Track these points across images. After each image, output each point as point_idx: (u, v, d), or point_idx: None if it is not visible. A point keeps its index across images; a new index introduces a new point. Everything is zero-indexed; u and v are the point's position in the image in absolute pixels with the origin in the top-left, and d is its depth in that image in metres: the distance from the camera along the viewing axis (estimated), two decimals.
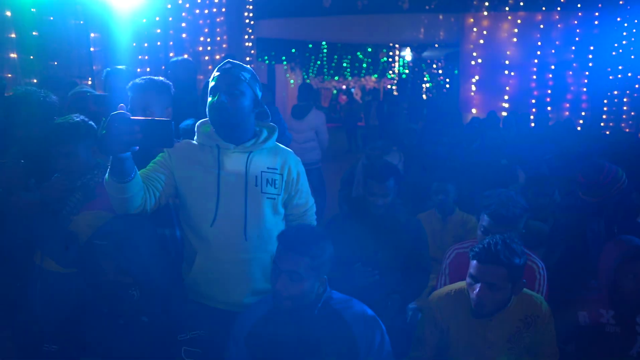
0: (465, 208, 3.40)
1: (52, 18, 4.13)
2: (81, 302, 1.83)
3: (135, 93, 2.10)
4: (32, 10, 3.80)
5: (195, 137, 1.94)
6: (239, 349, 1.71)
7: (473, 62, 9.89)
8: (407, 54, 16.09)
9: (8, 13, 3.52)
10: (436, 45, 13.13)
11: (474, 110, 9.80)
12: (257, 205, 1.88)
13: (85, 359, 1.58)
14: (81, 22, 4.51)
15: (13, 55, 3.59)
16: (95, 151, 2.04)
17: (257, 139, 1.94)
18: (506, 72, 9.57)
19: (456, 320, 1.96)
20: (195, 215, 1.87)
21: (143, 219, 1.75)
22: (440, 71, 18.57)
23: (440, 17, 10.71)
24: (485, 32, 9.69)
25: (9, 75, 3.52)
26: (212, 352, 1.70)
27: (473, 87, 9.98)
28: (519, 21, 9.38)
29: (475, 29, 9.78)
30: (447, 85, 16.27)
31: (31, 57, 3.81)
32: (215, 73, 1.86)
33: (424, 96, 18.00)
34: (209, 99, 1.85)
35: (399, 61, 17.99)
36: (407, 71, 18.73)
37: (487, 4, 9.52)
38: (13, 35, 3.57)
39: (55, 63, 4.25)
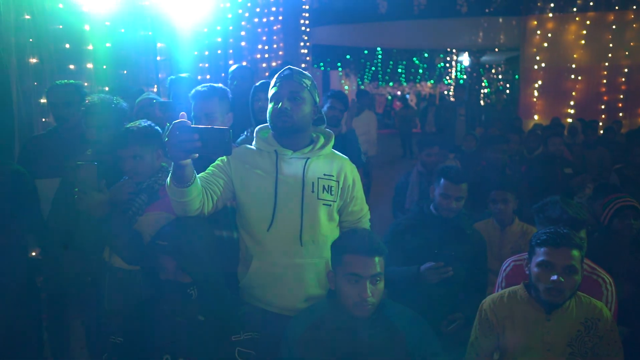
0: (526, 218, 3.25)
1: (123, 30, 4.42)
2: (144, 298, 1.92)
3: (198, 100, 2.18)
4: (106, 23, 4.08)
5: (254, 142, 1.97)
6: (292, 353, 1.73)
7: (535, 67, 9.46)
8: (465, 58, 15.68)
9: (87, 27, 3.81)
10: (496, 50, 12.69)
11: (536, 117, 9.37)
12: (313, 211, 1.89)
13: (146, 352, 1.65)
14: (149, 33, 4.78)
15: (89, 65, 3.87)
16: (160, 155, 2.14)
17: (315, 146, 1.95)
18: (572, 76, 9.07)
19: (512, 323, 1.90)
20: (252, 219, 1.90)
21: (203, 221, 1.81)
22: (499, 76, 17.93)
23: (501, 20, 10.37)
24: (549, 35, 9.24)
25: (86, 84, 3.79)
26: (265, 354, 1.72)
27: (535, 93, 9.54)
28: (588, 22, 8.87)
29: (538, 32, 9.35)
30: (507, 91, 15.68)
31: (104, 66, 4.08)
32: (277, 80, 1.89)
33: (482, 102, 17.44)
34: (270, 105, 1.89)
35: (456, 66, 17.57)
36: (464, 76, 18.25)
37: (552, 5, 9.08)
38: (90, 47, 3.85)
39: (125, 72, 4.52)
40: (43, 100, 3.18)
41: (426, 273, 2.29)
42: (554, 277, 1.76)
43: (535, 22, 9.43)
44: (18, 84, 3.29)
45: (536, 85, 9.48)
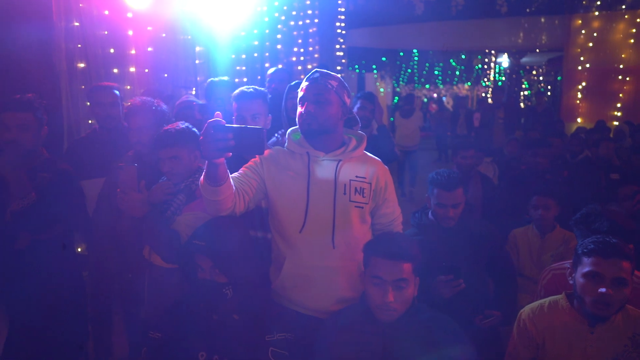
0: (569, 225, 3.12)
1: (164, 35, 4.55)
2: (181, 296, 1.97)
3: (244, 101, 2.22)
4: (148, 28, 4.22)
5: (286, 144, 1.99)
6: (324, 356, 1.73)
7: (580, 67, 9.09)
8: (504, 60, 15.28)
9: (130, 32, 3.95)
10: (537, 50, 12.30)
11: (579, 120, 9.01)
12: (345, 213, 1.89)
13: (183, 348, 1.69)
14: (189, 37, 4.90)
15: (132, 69, 4.01)
16: (198, 156, 2.18)
17: (347, 147, 1.95)
18: (620, 77, 8.66)
19: (552, 334, 1.83)
20: (285, 221, 1.91)
21: (238, 222, 1.84)
22: (541, 78, 17.37)
23: (543, 19, 10.04)
24: (595, 34, 8.87)
25: (128, 87, 3.93)
26: (298, 355, 1.73)
27: (579, 95, 9.17)
28: (638, 20, 8.44)
29: (583, 31, 8.99)
30: (549, 93, 15.16)
31: (146, 70, 4.22)
32: (304, 83, 1.91)
33: (522, 104, 16.93)
34: (298, 108, 1.90)
35: (494, 68, 17.14)
36: (503, 78, 17.78)
37: (598, 3, 8.70)
38: (133, 52, 3.99)
39: (166, 75, 4.66)
40: (89, 103, 3.31)
41: (438, 288, 2.15)
42: (603, 290, 1.67)
43: (580, 21, 9.07)
44: (67, 88, 3.45)
45: (580, 87, 9.11)
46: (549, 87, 16.04)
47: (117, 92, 2.87)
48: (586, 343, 1.77)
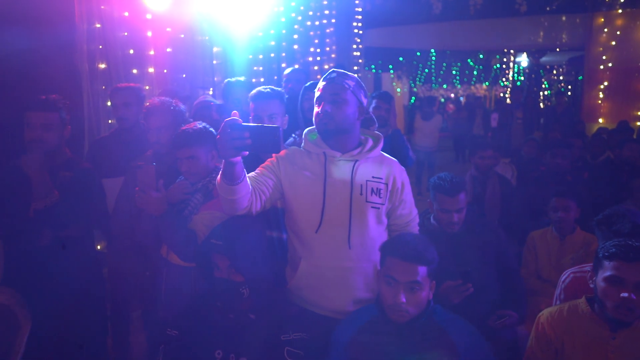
0: (589, 228, 3.06)
1: (182, 36, 4.61)
2: (198, 294, 1.99)
3: (261, 101, 2.23)
4: (167, 29, 4.28)
5: (303, 144, 1.99)
6: (340, 356, 1.73)
7: (602, 67, 8.90)
8: (524, 59, 15.06)
9: (149, 33, 4.01)
10: (557, 50, 12.09)
11: (600, 120, 8.82)
12: (361, 214, 1.89)
13: (200, 346, 1.70)
14: (206, 37, 4.95)
15: (151, 70, 4.06)
16: (215, 156, 2.20)
17: (363, 148, 1.94)
18: None
19: (571, 338, 1.79)
20: (301, 221, 1.92)
21: (255, 221, 1.85)
22: (561, 77, 17.07)
23: (564, 18, 9.86)
24: (618, 33, 8.67)
25: (147, 87, 3.99)
26: (313, 355, 1.73)
27: (600, 94, 8.98)
28: None
29: (606, 30, 8.79)
30: (569, 93, 14.89)
31: (165, 70, 4.28)
32: (321, 83, 1.90)
33: (542, 105, 16.66)
34: (315, 108, 1.90)
35: (513, 68, 16.90)
36: (522, 78, 17.52)
37: (622, 0, 8.50)
38: (152, 53, 4.05)
39: (184, 75, 4.72)
40: (109, 103, 3.37)
41: (446, 294, 2.12)
42: (625, 294, 1.63)
43: (603, 19, 8.88)
44: (88, 88, 3.51)
45: (602, 87, 8.92)
46: (570, 86, 15.76)
47: (140, 94, 2.91)
48: (607, 349, 1.73)
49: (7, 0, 2.79)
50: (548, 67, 17.39)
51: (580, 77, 11.61)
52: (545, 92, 18.08)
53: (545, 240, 3.10)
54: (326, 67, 7.78)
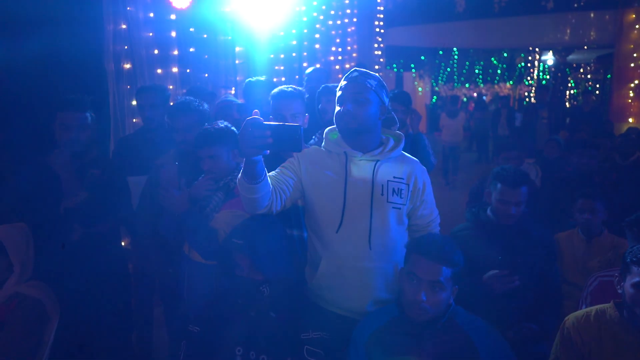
0: (617, 230, 2.98)
1: (205, 36, 4.67)
2: (220, 291, 2.01)
3: (283, 100, 2.25)
4: (190, 29, 4.34)
5: (323, 144, 1.99)
6: (359, 356, 1.73)
7: (632, 65, 8.62)
8: (549, 57, 14.71)
9: (173, 34, 4.07)
10: (585, 47, 11.77)
11: (630, 120, 8.55)
12: (382, 214, 1.88)
13: (220, 343, 1.72)
14: (229, 37, 5.00)
15: (175, 69, 4.13)
16: (236, 155, 2.22)
17: (384, 148, 1.93)
18: None
19: (599, 344, 1.75)
20: (321, 220, 1.91)
21: (276, 221, 1.85)
22: (588, 76, 16.63)
23: (592, 15, 9.58)
24: None
25: (171, 87, 4.05)
26: (333, 355, 1.73)
27: (631, 93, 8.70)
28: None
29: (637, 26, 8.52)
30: (597, 92, 14.49)
31: (188, 70, 4.34)
32: (343, 82, 1.90)
33: (568, 104, 16.27)
34: (337, 107, 1.89)
35: (538, 66, 16.54)
36: (547, 76, 17.12)
37: None
38: (175, 53, 4.11)
39: (206, 75, 4.77)
40: (134, 103, 3.44)
41: (489, 282, 2.13)
42: None
43: (634, 16, 8.60)
44: (114, 88, 3.59)
45: (632, 85, 8.64)
46: (597, 85, 15.32)
47: (165, 94, 2.95)
48: (638, 356, 1.68)
49: (37, 3, 2.87)
50: (575, 65, 16.94)
51: (609, 76, 11.27)
52: (572, 91, 17.64)
53: (571, 243, 3.03)
54: (347, 66, 7.77)
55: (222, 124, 2.21)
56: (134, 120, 3.72)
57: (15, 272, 2.10)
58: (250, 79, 3.11)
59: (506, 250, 2.26)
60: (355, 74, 1.88)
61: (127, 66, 3.70)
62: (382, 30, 9.55)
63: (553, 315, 2.33)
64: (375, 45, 9.40)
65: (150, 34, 3.89)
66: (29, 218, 2.24)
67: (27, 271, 2.15)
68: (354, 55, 8.36)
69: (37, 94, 2.80)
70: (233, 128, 2.24)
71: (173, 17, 4.07)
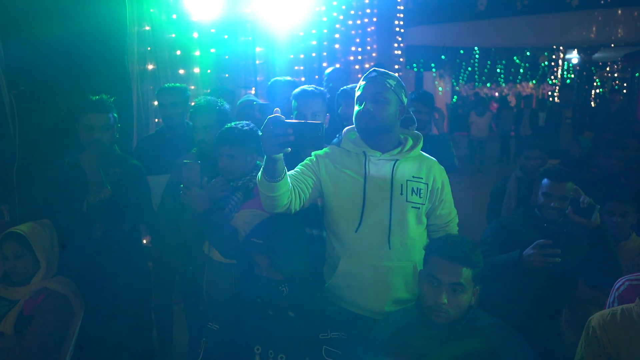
0: None
1: (226, 37, 4.71)
2: (239, 290, 2.02)
3: (305, 99, 2.26)
4: (211, 30, 4.39)
5: (342, 143, 1.98)
6: (377, 357, 1.72)
7: None
8: (574, 56, 14.38)
9: (195, 35, 4.12)
10: (612, 45, 11.48)
11: None
12: (401, 213, 1.87)
13: (239, 341, 1.73)
14: (249, 38, 5.04)
15: (196, 70, 4.18)
16: (255, 156, 2.23)
17: (403, 147, 1.93)
18: None
19: (627, 344, 1.70)
20: (340, 220, 1.92)
21: (296, 220, 1.86)
22: (615, 74, 16.20)
23: (619, 12, 9.35)
24: None
25: (192, 87, 4.10)
26: (351, 355, 1.73)
27: None
28: None
29: None
30: (624, 91, 14.10)
31: (208, 71, 4.39)
32: (362, 82, 1.89)
33: (593, 103, 15.87)
34: (356, 107, 1.89)
35: (563, 65, 16.18)
36: (572, 75, 16.74)
37: None
38: (197, 53, 4.16)
39: (227, 75, 4.82)
40: (156, 103, 3.49)
41: (529, 258, 2.09)
42: None
43: None
44: (138, 88, 3.65)
45: None
46: (625, 84, 14.91)
47: (186, 93, 2.99)
48: None
49: (63, 5, 2.94)
50: (601, 63, 16.53)
51: (637, 74, 10.97)
52: (597, 90, 17.20)
53: None
54: (367, 66, 7.74)
55: (248, 126, 2.21)
56: (157, 120, 3.77)
57: (41, 268, 2.17)
58: (274, 78, 3.13)
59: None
60: (374, 74, 1.88)
61: (151, 67, 3.76)
62: (402, 30, 9.48)
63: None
64: (395, 45, 9.34)
65: (173, 35, 3.94)
66: (55, 216, 2.30)
67: (53, 267, 2.21)
68: (374, 55, 8.32)
69: (64, 94, 2.87)
70: (254, 128, 2.25)
71: (195, 18, 4.12)
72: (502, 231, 2.43)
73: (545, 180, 2.39)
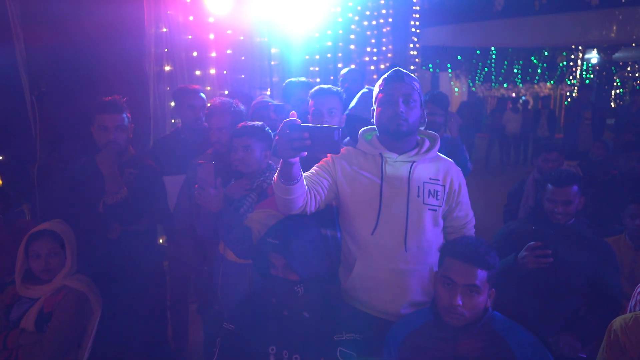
0: None
1: (242, 38, 4.73)
2: (254, 290, 2.03)
3: (321, 96, 2.28)
4: (228, 32, 4.42)
5: (358, 144, 1.97)
6: (392, 358, 1.71)
7: None
8: (594, 56, 14.13)
9: (211, 36, 4.15)
10: (633, 45, 11.24)
11: None
12: (418, 216, 1.85)
13: (254, 341, 1.74)
14: (265, 39, 5.05)
15: (212, 71, 4.21)
16: (268, 155, 2.23)
17: (420, 149, 1.91)
18: None
19: None
20: (356, 222, 1.90)
21: (311, 221, 1.85)
22: (636, 74, 15.87)
23: None
24: None
25: (208, 88, 4.13)
26: (366, 357, 1.72)
27: None
28: None
29: None
30: None
31: (224, 72, 4.41)
32: (386, 83, 1.86)
33: (613, 104, 15.56)
34: (381, 108, 1.86)
35: (582, 65, 15.90)
36: (591, 76, 16.43)
37: None
38: (213, 55, 4.19)
39: (242, 76, 4.84)
40: (172, 103, 3.53)
41: (523, 260, 2.13)
42: None
43: None
44: (155, 89, 3.70)
45: None
46: None
47: (202, 95, 3.02)
48: None
49: (83, 7, 2.99)
50: (621, 63, 16.21)
51: None
52: (618, 91, 16.86)
53: (617, 250, 2.88)
54: (382, 67, 7.71)
55: (260, 124, 2.25)
56: (173, 120, 3.81)
57: (66, 266, 2.21)
58: (291, 79, 3.14)
59: (557, 245, 2.23)
60: (400, 74, 1.85)
61: (168, 68, 3.80)
62: (417, 30, 9.42)
63: (599, 322, 2.23)
64: (411, 45, 9.28)
65: (190, 37, 3.98)
66: (73, 215, 2.33)
67: (74, 265, 2.25)
68: (389, 55, 8.28)
69: (83, 95, 2.91)
70: (268, 129, 2.26)
71: (211, 20, 4.15)
72: (510, 235, 2.40)
73: (548, 186, 2.37)
